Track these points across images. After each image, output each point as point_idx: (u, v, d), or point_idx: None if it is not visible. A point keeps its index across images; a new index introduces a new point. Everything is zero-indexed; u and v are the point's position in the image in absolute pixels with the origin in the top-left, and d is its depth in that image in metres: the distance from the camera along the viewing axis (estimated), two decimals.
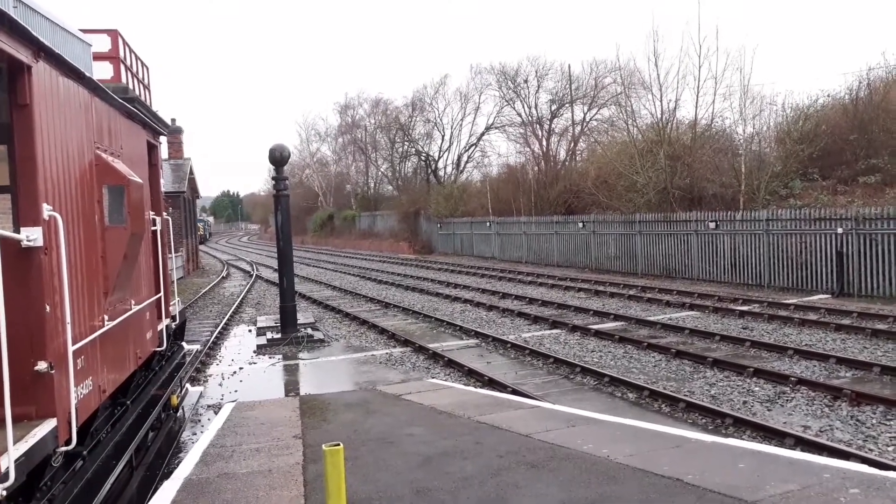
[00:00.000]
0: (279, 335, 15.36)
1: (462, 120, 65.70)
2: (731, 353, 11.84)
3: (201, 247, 56.42)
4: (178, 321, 9.47)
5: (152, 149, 8.42)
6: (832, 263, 18.44)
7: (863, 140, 23.87)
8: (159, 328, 7.80)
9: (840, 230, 18.21)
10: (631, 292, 20.35)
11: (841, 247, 18.18)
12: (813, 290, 18.82)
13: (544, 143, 45.14)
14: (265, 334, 15.78)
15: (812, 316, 14.99)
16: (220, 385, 11.78)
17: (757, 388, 9.64)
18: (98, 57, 12.93)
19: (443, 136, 58.24)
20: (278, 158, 15.53)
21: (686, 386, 9.97)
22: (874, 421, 8.03)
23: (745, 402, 9.03)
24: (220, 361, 13.84)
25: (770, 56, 71.32)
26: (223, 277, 34.51)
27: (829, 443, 7.17)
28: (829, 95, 26.91)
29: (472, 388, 9.73)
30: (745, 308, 16.33)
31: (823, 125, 24.74)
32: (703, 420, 8.41)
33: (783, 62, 71.12)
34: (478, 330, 15.11)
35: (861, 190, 22.29)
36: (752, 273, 20.95)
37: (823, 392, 9.18)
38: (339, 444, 3.82)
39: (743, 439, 7.28)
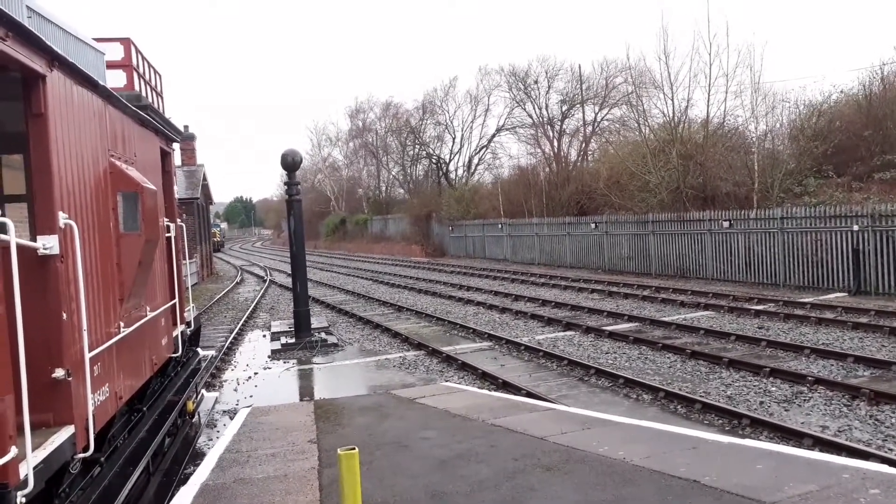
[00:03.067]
0: (293, 340, 15.42)
1: (472, 122, 66.15)
2: (747, 353, 11.75)
3: (216, 253, 56.72)
4: (192, 327, 9.52)
5: (165, 156, 8.47)
6: (848, 261, 18.27)
7: (877, 136, 23.64)
8: (174, 334, 7.84)
9: (856, 227, 18.04)
10: (645, 293, 20.25)
11: (857, 244, 18.00)
12: (829, 289, 18.65)
13: (555, 143, 45.12)
14: (279, 339, 15.83)
15: (829, 314, 14.85)
16: (236, 390, 11.83)
17: (774, 389, 9.56)
18: (111, 65, 13.06)
19: (453, 139, 58.42)
20: (290, 163, 15.61)
21: (702, 387, 9.91)
22: (893, 420, 7.94)
23: (761, 403, 8.96)
24: (234, 367, 13.90)
25: (781, 53, 70.71)
26: (237, 283, 34.69)
27: (847, 443, 7.10)
28: (842, 91, 26.66)
29: (486, 391, 9.71)
30: (760, 307, 16.21)
31: (837, 121, 24.55)
32: (720, 421, 8.35)
33: (795, 58, 70.57)
34: (491, 332, 15.09)
35: (877, 186, 22.08)
36: (767, 272, 20.78)
37: (841, 391, 9.09)
38: (354, 449, 3.82)
39: (760, 440, 7.22)
